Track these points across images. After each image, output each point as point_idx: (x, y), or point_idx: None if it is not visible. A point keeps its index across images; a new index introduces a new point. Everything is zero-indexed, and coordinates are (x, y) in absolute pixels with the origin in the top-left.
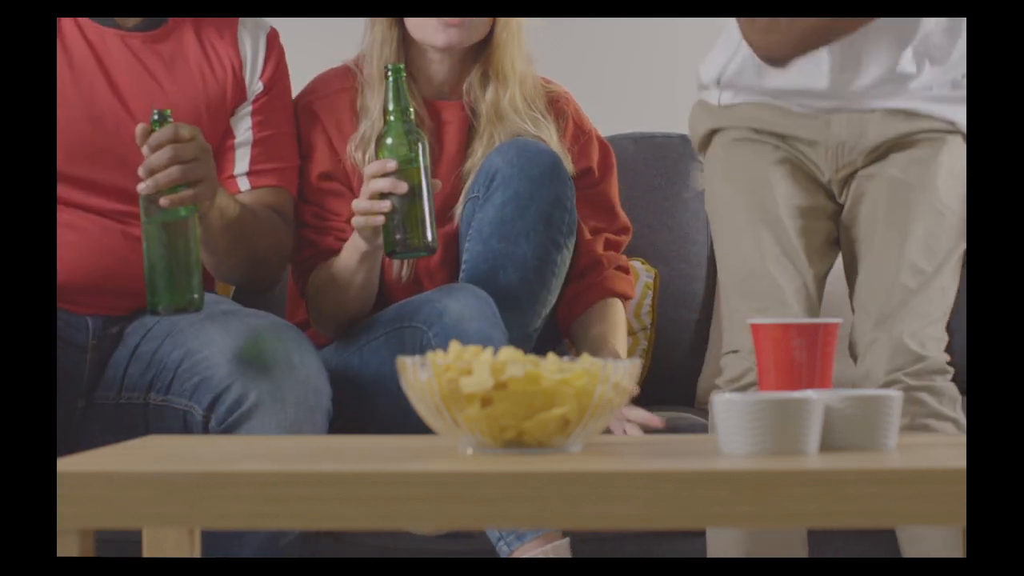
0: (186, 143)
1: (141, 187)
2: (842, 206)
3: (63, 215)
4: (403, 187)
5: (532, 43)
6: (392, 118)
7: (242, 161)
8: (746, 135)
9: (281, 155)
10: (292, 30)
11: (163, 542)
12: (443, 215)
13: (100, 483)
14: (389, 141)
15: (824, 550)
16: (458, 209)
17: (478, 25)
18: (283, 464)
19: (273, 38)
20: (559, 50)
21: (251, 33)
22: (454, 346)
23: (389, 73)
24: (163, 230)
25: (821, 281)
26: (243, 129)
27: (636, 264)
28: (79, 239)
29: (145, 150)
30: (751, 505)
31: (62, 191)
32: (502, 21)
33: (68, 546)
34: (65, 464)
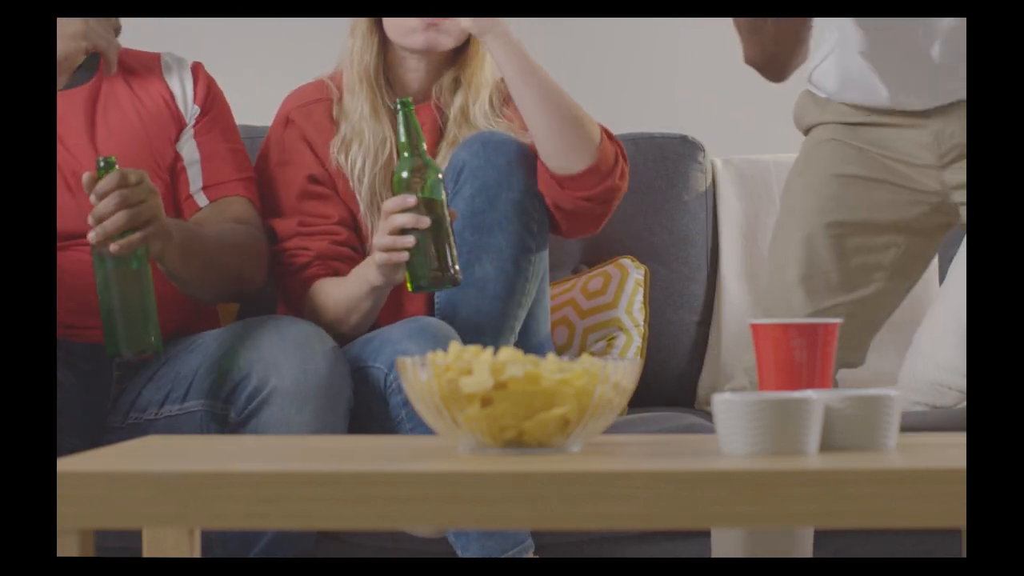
0: (132, 187)
1: (91, 235)
2: (945, 219)
3: (64, 260)
4: (425, 222)
5: (532, 44)
6: (406, 153)
7: (195, 179)
8: (837, 134)
9: (233, 167)
10: (284, 32)
11: (163, 542)
12: None
13: (100, 483)
14: (405, 175)
15: (824, 550)
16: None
17: (455, 29)
18: (282, 464)
19: (197, 68)
20: (559, 50)
21: (175, 69)
22: (454, 346)
23: (399, 107)
24: (117, 275)
25: (863, 303)
26: (189, 149)
27: (626, 261)
28: (85, 278)
29: (92, 198)
30: (751, 505)
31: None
32: (475, 64)
33: (68, 546)
34: (65, 464)
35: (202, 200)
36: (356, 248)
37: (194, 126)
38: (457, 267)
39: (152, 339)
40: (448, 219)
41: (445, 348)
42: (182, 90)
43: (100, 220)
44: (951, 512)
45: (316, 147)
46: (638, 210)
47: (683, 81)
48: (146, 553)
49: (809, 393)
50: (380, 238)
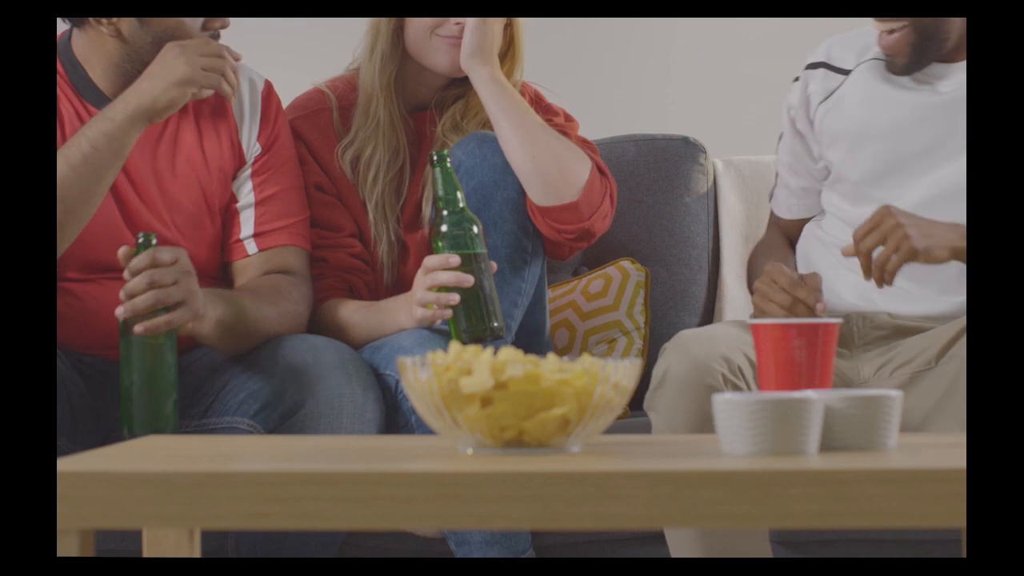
0: (165, 268)
1: (119, 311)
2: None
3: (86, 286)
4: (468, 280)
5: (532, 44)
6: (446, 211)
7: (247, 224)
8: None
9: (287, 211)
10: (281, 33)
11: (163, 542)
12: (415, 220)
13: (100, 483)
14: (444, 229)
15: (824, 550)
16: (427, 212)
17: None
18: (283, 464)
19: (268, 94)
20: (559, 51)
21: (246, 93)
22: (454, 346)
23: (434, 161)
24: (140, 353)
25: None
26: (245, 192)
27: (626, 263)
28: (104, 302)
29: (126, 274)
30: (751, 505)
31: (87, 266)
32: (508, 63)
33: (68, 546)
34: (65, 464)
35: (251, 247)
36: (367, 261)
37: (253, 164)
38: (499, 322)
39: (169, 420)
40: (489, 273)
41: None
42: (248, 123)
43: (130, 296)
44: (951, 512)
45: (319, 156)
46: (639, 212)
47: (684, 82)
48: (146, 553)
49: (809, 393)
50: (422, 294)
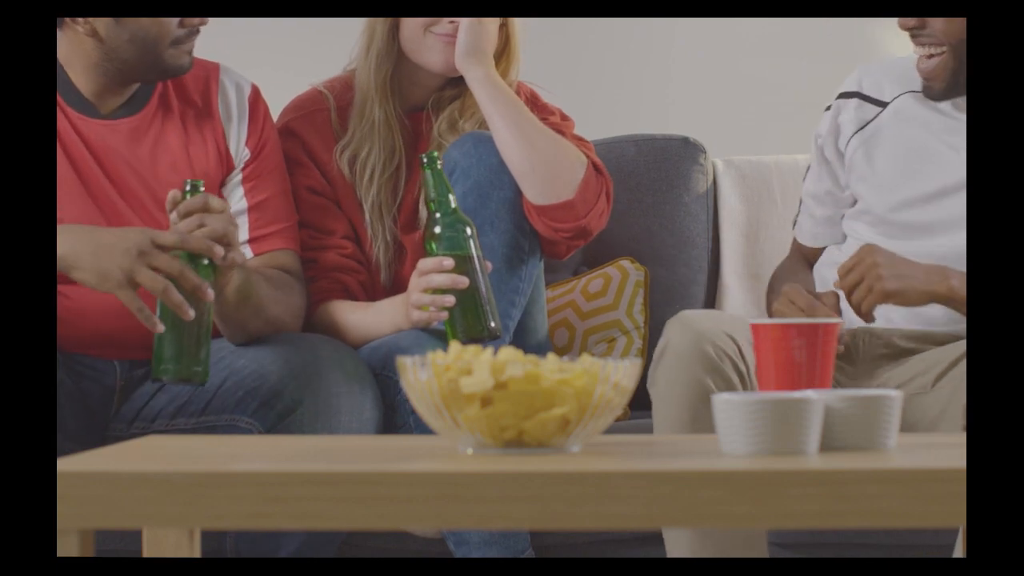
0: (215, 214)
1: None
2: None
3: (77, 286)
4: (463, 282)
5: (532, 43)
6: (439, 213)
7: (241, 230)
8: None
9: (278, 216)
10: (277, 33)
11: (163, 542)
12: (412, 221)
13: (100, 483)
14: (437, 231)
15: (824, 550)
16: (423, 213)
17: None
18: (283, 464)
19: (255, 99)
20: (558, 51)
21: (233, 98)
22: (454, 346)
23: (424, 163)
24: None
25: None
26: (236, 198)
27: (626, 263)
28: (95, 302)
29: (174, 216)
30: (751, 505)
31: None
32: (503, 63)
33: (68, 546)
34: (65, 464)
35: (247, 252)
36: (360, 261)
37: (243, 170)
38: (496, 322)
39: (200, 368)
40: (484, 273)
41: None
42: (236, 128)
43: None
44: (951, 512)
45: (317, 157)
46: (639, 212)
47: (684, 82)
48: (146, 553)
49: (809, 393)
50: (417, 296)
